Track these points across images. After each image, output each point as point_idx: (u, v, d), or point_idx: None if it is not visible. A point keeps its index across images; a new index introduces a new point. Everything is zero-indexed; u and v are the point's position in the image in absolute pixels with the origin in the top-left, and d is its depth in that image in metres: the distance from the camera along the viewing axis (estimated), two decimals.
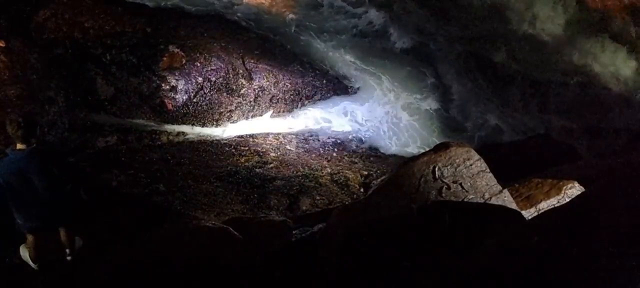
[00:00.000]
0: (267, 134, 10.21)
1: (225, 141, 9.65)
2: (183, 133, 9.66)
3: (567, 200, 5.31)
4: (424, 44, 12.70)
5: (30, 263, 5.44)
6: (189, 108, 9.70)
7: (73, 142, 8.46)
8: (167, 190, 7.73)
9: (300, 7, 12.62)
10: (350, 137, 10.76)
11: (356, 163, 9.81)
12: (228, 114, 10.12)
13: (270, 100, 10.62)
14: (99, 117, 9.03)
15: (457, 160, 4.91)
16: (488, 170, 4.89)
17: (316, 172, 9.01)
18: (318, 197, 8.25)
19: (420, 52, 12.63)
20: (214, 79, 9.89)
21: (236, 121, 10.22)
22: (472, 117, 11.55)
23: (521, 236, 4.07)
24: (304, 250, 5.54)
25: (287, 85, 10.76)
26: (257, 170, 8.71)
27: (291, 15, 12.37)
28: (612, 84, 11.40)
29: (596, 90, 11.48)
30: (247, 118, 10.38)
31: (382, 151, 10.63)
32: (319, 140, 10.40)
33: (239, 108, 10.23)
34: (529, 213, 5.27)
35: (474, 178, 4.80)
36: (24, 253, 5.45)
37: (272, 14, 12.19)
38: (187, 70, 9.70)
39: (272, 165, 8.97)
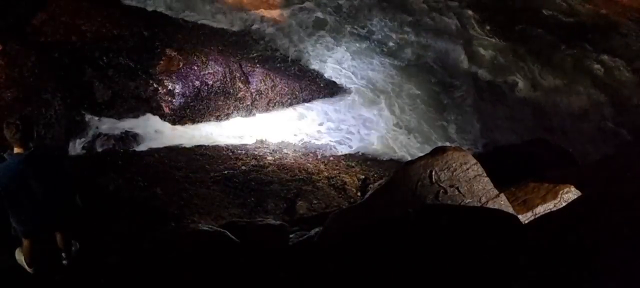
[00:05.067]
0: (264, 138, 10.21)
1: (222, 145, 9.64)
2: (180, 136, 9.66)
3: (564, 204, 5.34)
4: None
5: (26, 267, 5.43)
6: (186, 111, 9.69)
7: (70, 145, 8.44)
8: (164, 193, 7.72)
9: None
10: (347, 140, 10.77)
11: (353, 167, 9.82)
12: (225, 117, 10.12)
13: (268, 104, 10.62)
14: (96, 121, 9.02)
15: (454, 164, 4.92)
16: (485, 174, 4.91)
17: (313, 176, 9.01)
18: (315, 201, 8.26)
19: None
20: (211, 82, 9.90)
21: (233, 125, 10.21)
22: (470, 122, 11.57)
23: (518, 240, 4.09)
24: (301, 254, 5.55)
25: (284, 89, 10.76)
26: (254, 173, 8.71)
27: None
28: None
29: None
30: (244, 122, 10.37)
31: (378, 155, 10.63)
32: (316, 144, 10.41)
33: (236, 112, 10.23)
34: (525, 218, 5.29)
35: (471, 182, 4.82)
36: (20, 257, 5.44)
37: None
38: (184, 74, 9.70)
39: (269, 168, 8.97)
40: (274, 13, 12.43)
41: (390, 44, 12.73)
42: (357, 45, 12.64)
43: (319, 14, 12.84)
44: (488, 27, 13.08)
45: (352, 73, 12.13)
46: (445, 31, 13.02)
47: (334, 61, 12.18)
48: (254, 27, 11.89)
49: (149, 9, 11.07)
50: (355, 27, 12.95)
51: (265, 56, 11.29)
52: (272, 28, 12.09)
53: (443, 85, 12.15)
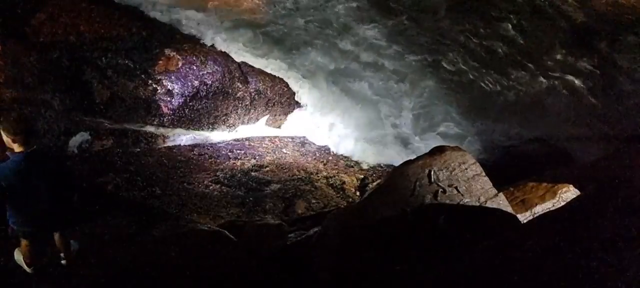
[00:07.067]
0: (263, 138, 10.21)
1: (221, 144, 9.64)
2: (179, 135, 9.66)
3: (563, 203, 5.34)
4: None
5: (25, 267, 5.43)
6: (184, 111, 9.69)
7: (69, 145, 8.44)
8: (163, 193, 7.72)
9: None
10: (346, 139, 10.76)
11: (352, 166, 9.82)
12: (224, 117, 10.12)
13: (267, 103, 10.63)
14: (94, 121, 9.01)
15: (453, 164, 4.92)
16: (483, 173, 4.91)
17: (312, 176, 9.01)
18: (314, 201, 8.26)
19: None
20: (210, 82, 9.88)
21: (232, 124, 10.21)
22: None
23: (516, 239, 4.09)
24: (299, 253, 5.55)
25: (283, 89, 10.77)
26: (252, 173, 8.71)
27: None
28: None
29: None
30: (243, 121, 10.38)
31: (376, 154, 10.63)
32: (314, 144, 10.41)
33: (234, 111, 10.23)
34: (524, 217, 5.29)
35: (470, 181, 4.82)
36: (19, 257, 5.44)
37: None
38: (183, 74, 9.69)
39: (268, 168, 8.97)
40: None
41: (390, 46, 12.74)
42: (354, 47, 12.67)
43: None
44: (486, 28, 13.08)
45: (351, 73, 12.15)
46: (440, 34, 13.03)
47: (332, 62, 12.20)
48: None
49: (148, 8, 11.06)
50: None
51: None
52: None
53: (442, 85, 12.16)
